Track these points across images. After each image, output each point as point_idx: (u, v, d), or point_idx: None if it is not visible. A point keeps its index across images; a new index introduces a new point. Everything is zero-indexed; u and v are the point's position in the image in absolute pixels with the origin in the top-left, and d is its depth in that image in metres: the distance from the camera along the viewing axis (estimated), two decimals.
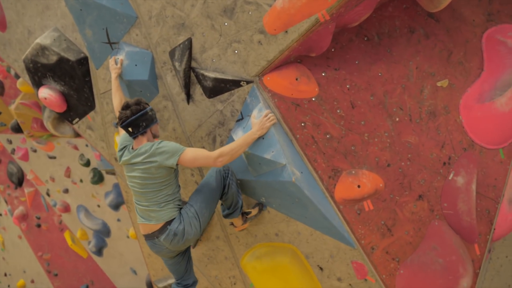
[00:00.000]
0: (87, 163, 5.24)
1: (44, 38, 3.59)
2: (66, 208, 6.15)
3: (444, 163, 2.88)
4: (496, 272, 3.14)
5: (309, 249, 2.92)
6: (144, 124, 2.64)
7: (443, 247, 2.74)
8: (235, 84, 2.77)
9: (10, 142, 6.43)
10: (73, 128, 4.14)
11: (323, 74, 2.73)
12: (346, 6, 2.38)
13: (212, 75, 2.82)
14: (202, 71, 2.87)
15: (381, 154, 2.77)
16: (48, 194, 6.38)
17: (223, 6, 2.63)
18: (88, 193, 5.59)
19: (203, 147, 3.10)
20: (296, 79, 2.67)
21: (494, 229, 2.96)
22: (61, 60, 3.56)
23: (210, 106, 2.96)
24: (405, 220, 2.77)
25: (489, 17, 3.10)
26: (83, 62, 3.53)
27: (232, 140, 2.86)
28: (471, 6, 3.05)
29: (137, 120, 2.61)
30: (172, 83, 3.09)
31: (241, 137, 2.64)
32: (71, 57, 3.52)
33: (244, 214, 2.97)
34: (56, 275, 7.33)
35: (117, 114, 3.00)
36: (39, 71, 3.75)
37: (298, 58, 2.71)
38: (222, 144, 2.99)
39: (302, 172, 2.66)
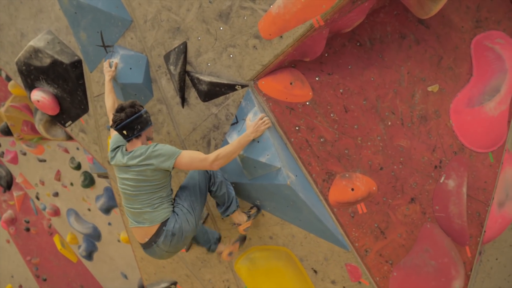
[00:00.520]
0: (78, 166, 5.19)
1: (37, 41, 3.57)
2: (56, 212, 6.08)
3: (436, 167, 2.94)
4: (486, 274, 3.20)
5: (303, 252, 2.94)
6: (139, 127, 2.62)
7: (435, 250, 2.79)
8: (230, 88, 2.79)
9: None
10: (65, 131, 4.11)
11: (316, 78, 2.77)
12: (340, 12, 2.42)
13: (207, 79, 2.84)
14: (197, 75, 2.88)
15: (374, 157, 2.81)
16: (37, 198, 6.30)
17: (218, 10, 2.65)
18: (79, 196, 5.54)
19: (198, 151, 3.10)
20: (291, 84, 2.70)
21: (485, 231, 3.02)
22: (55, 63, 3.54)
23: (204, 109, 2.97)
24: (398, 223, 2.82)
25: (477, 24, 3.18)
26: (77, 65, 3.52)
27: (226, 143, 2.87)
28: (460, 13, 3.12)
29: (131, 123, 2.59)
30: (166, 86, 3.10)
31: (235, 140, 2.65)
32: (65, 60, 3.50)
33: (246, 212, 2.95)
34: (45, 280, 7.22)
35: (110, 116, 2.99)
36: (32, 74, 3.72)
37: (292, 62, 2.74)
38: (216, 147, 3.00)
39: (296, 176, 2.68)
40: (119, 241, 5.37)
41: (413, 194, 2.87)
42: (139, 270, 4.35)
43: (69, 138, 4.52)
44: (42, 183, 5.99)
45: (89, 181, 5.13)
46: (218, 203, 2.92)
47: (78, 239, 6.09)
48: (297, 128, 2.72)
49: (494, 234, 3.12)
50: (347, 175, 2.75)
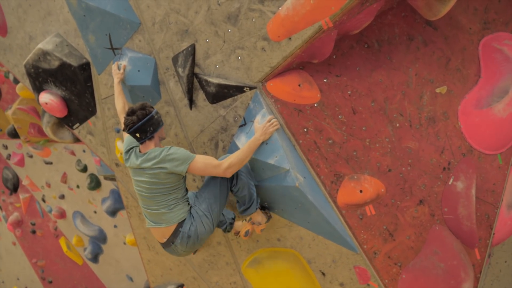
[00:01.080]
0: (84, 169, 5.22)
1: (46, 44, 3.60)
2: (62, 214, 6.10)
3: (444, 168, 2.93)
4: (495, 277, 3.17)
5: (311, 254, 2.93)
6: (151, 128, 2.61)
7: (444, 252, 2.78)
8: (238, 90, 2.80)
9: (5, 147, 6.39)
10: (73, 133, 4.13)
11: (325, 80, 2.77)
12: (349, 13, 2.42)
13: (215, 81, 2.84)
14: (205, 77, 2.89)
15: (382, 159, 2.80)
16: (43, 200, 6.33)
17: (227, 13, 2.66)
18: (85, 199, 5.56)
19: (205, 153, 3.11)
20: (299, 85, 2.70)
21: (494, 234, 3.00)
22: (63, 66, 3.57)
23: (212, 111, 2.98)
24: (407, 225, 2.80)
25: (485, 25, 3.17)
26: (85, 67, 3.54)
27: (234, 145, 2.88)
28: (467, 15, 3.12)
29: (144, 125, 2.59)
30: (174, 88, 3.11)
31: (245, 144, 2.65)
32: (73, 62, 3.53)
33: (265, 208, 2.89)
34: (50, 282, 7.24)
35: (121, 118, 3.01)
36: (40, 76, 3.75)
37: (301, 64, 2.75)
38: (224, 149, 3.00)
39: (305, 177, 2.68)
40: (125, 243, 5.38)
41: (421, 196, 2.86)
42: (145, 272, 4.35)
43: (76, 140, 4.54)
44: (48, 185, 6.02)
45: (95, 184, 5.15)
46: (238, 201, 2.89)
47: (84, 242, 6.10)
48: (305, 130, 2.72)
49: (503, 236, 3.10)
50: (355, 177, 2.74)
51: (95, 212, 5.55)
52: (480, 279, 2.97)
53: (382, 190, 2.74)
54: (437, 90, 2.98)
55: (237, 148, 2.85)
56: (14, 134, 5.63)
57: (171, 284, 4.11)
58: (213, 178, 2.76)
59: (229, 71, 2.80)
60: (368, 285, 2.78)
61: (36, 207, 6.60)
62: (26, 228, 6.97)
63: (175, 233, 2.69)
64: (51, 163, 5.71)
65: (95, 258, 6.08)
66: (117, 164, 3.87)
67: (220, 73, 2.84)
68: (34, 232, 6.88)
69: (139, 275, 5.56)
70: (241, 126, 2.88)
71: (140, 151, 2.69)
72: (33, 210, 6.69)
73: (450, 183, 2.91)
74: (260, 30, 2.57)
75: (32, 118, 5.29)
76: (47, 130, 4.43)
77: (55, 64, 3.60)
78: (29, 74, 3.81)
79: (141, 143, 2.67)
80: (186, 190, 2.77)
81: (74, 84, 3.63)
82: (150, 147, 2.66)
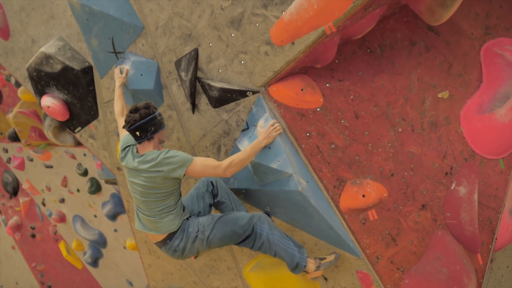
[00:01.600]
0: (85, 173, 5.21)
1: (48, 47, 3.60)
2: (62, 218, 6.09)
3: (446, 173, 2.93)
4: (497, 283, 3.17)
5: None
6: (152, 129, 2.55)
7: (447, 257, 2.77)
8: (241, 94, 2.80)
9: (6, 151, 6.38)
10: (74, 137, 4.12)
11: (327, 85, 2.78)
12: (352, 19, 2.43)
13: (218, 85, 2.85)
14: (208, 81, 2.90)
15: (384, 164, 2.80)
16: (43, 204, 6.31)
17: (230, 17, 2.67)
18: (85, 203, 5.55)
19: (208, 157, 3.10)
20: (302, 90, 2.71)
21: (496, 239, 2.99)
22: (66, 69, 3.57)
23: (215, 115, 2.98)
24: (409, 229, 2.80)
25: (487, 31, 3.19)
26: (88, 71, 3.54)
27: (237, 149, 2.88)
28: (469, 20, 3.14)
29: (145, 124, 2.52)
30: (177, 92, 3.12)
31: (248, 147, 2.64)
32: (76, 66, 3.53)
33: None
34: (49, 286, 7.20)
35: (119, 121, 2.99)
36: (42, 80, 3.75)
37: (303, 69, 2.76)
38: (227, 153, 3.00)
39: (308, 182, 2.68)
40: (125, 247, 5.36)
41: (424, 200, 2.85)
42: (146, 277, 4.33)
43: (78, 144, 4.54)
44: (49, 189, 6.01)
45: (95, 188, 5.14)
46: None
47: (83, 246, 6.08)
48: (308, 134, 2.72)
49: (505, 241, 3.10)
50: (358, 181, 2.74)
51: (95, 216, 5.54)
52: (482, 284, 2.97)
53: (385, 194, 2.74)
54: (439, 95, 2.99)
55: None
56: (14, 138, 5.62)
57: None
58: (236, 222, 2.66)
59: (232, 76, 2.80)
60: None
61: (36, 211, 6.58)
62: (26, 232, 6.94)
63: (163, 242, 2.67)
64: (51, 166, 5.70)
65: (95, 263, 6.06)
66: (118, 168, 3.86)
67: (223, 77, 2.85)
68: (33, 236, 6.85)
69: (139, 279, 5.54)
70: (243, 130, 2.88)
71: (137, 152, 2.61)
72: (33, 214, 6.67)
73: (452, 188, 2.91)
74: (263, 34, 2.58)
75: (33, 122, 5.29)
76: (49, 134, 4.43)
77: (58, 67, 3.60)
78: (31, 78, 3.81)
79: (139, 143, 2.59)
80: (180, 195, 2.69)
81: (77, 87, 3.64)
82: (149, 149, 2.58)
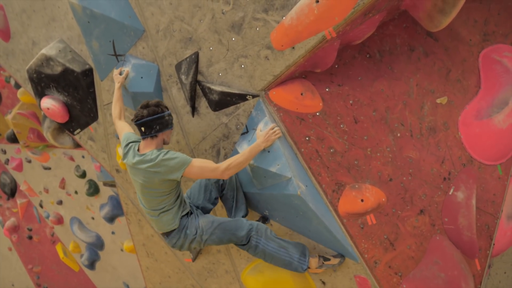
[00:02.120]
0: (83, 175, 5.20)
1: (49, 49, 3.61)
2: (59, 220, 6.07)
3: (444, 178, 2.94)
4: None
5: None
6: (157, 127, 2.58)
7: (445, 262, 2.78)
8: (241, 98, 2.81)
9: (4, 152, 6.37)
10: (73, 138, 4.12)
11: (327, 89, 2.79)
12: (352, 24, 2.45)
13: (218, 88, 2.86)
14: (208, 85, 2.91)
15: (383, 168, 2.82)
16: (41, 206, 6.29)
17: (231, 21, 2.69)
18: (83, 205, 5.53)
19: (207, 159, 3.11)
20: (301, 94, 2.72)
21: (494, 244, 3.00)
22: (66, 71, 3.58)
23: (215, 119, 2.99)
24: (407, 234, 2.81)
25: (485, 37, 3.21)
26: (88, 73, 3.55)
27: (236, 153, 2.88)
28: (467, 27, 3.16)
29: (151, 121, 2.56)
30: (177, 95, 3.13)
31: (246, 149, 2.65)
32: (76, 68, 3.54)
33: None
34: None
35: (116, 124, 3.00)
36: (42, 82, 3.76)
37: (303, 73, 2.77)
38: (226, 156, 3.01)
39: (306, 186, 2.69)
40: (122, 250, 5.35)
41: (422, 205, 2.86)
42: (144, 279, 4.32)
43: (76, 146, 4.54)
44: (46, 191, 5.99)
45: (93, 190, 5.13)
46: None
47: (80, 248, 6.06)
48: (307, 138, 2.73)
49: (503, 247, 3.11)
50: (356, 186, 2.75)
51: (92, 218, 5.52)
52: None
53: (383, 199, 2.75)
54: (438, 101, 3.01)
55: None
56: (13, 139, 5.62)
57: None
58: (235, 228, 2.70)
59: (232, 79, 2.81)
60: None
61: (33, 212, 6.56)
62: (23, 233, 6.92)
63: (163, 235, 2.78)
64: (49, 168, 5.69)
65: (91, 265, 6.04)
66: (117, 170, 3.86)
67: (223, 81, 2.86)
68: (30, 237, 6.82)
69: (136, 282, 5.52)
70: (243, 133, 2.89)
71: (138, 150, 2.64)
72: (30, 216, 6.65)
73: (450, 193, 2.92)
74: (263, 39, 2.59)
75: (32, 123, 5.29)
76: (48, 135, 4.43)
77: (58, 69, 3.61)
78: (31, 79, 3.81)
79: (143, 138, 2.62)
80: (179, 194, 2.71)
81: (77, 89, 3.64)
82: (151, 147, 2.60)
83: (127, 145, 2.71)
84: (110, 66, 3.37)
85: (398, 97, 2.91)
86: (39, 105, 3.86)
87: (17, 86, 5.12)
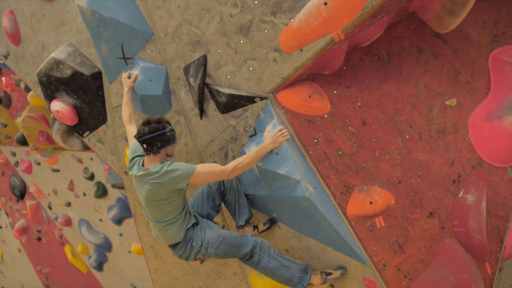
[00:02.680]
0: (91, 177, 5.24)
1: (59, 53, 3.65)
2: (68, 222, 6.12)
3: (454, 181, 2.92)
4: None
5: (320, 265, 2.92)
6: (158, 144, 2.60)
7: (455, 265, 2.75)
8: (249, 100, 2.82)
9: (14, 154, 6.44)
10: (82, 141, 4.16)
11: (335, 91, 2.79)
12: (360, 26, 2.45)
13: (226, 91, 2.87)
14: (216, 87, 2.92)
15: (392, 171, 2.80)
16: (50, 207, 6.35)
17: (239, 24, 2.70)
18: (91, 207, 5.57)
19: (215, 162, 3.12)
20: (309, 96, 2.72)
21: (505, 247, 2.97)
22: (75, 74, 3.61)
23: (223, 121, 2.99)
24: (417, 237, 2.79)
25: (495, 38, 3.18)
26: (97, 76, 3.58)
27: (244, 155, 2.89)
28: (477, 28, 3.14)
29: (153, 139, 2.58)
30: (185, 98, 3.14)
31: (253, 150, 2.67)
32: (85, 71, 3.57)
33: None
34: None
35: (127, 127, 3.04)
36: (52, 85, 3.80)
37: (311, 75, 2.77)
38: (234, 159, 3.01)
39: (315, 188, 2.68)
40: (130, 252, 5.37)
41: (431, 208, 2.84)
42: (152, 281, 4.34)
43: (85, 148, 4.57)
44: (55, 192, 6.04)
45: (102, 192, 5.17)
46: None
47: (89, 250, 6.10)
48: (315, 140, 2.73)
49: None
50: (365, 188, 2.74)
51: (101, 220, 5.56)
52: None
53: (392, 202, 2.73)
54: (447, 103, 2.99)
55: None
56: (23, 142, 5.68)
57: None
58: (237, 249, 2.73)
59: (240, 82, 2.82)
60: None
61: (42, 214, 6.62)
62: (32, 235, 6.98)
63: (169, 246, 2.82)
64: (58, 170, 5.74)
65: (99, 266, 6.07)
66: (126, 173, 3.88)
67: (231, 84, 2.86)
68: (39, 239, 6.88)
69: (143, 284, 5.54)
70: (251, 136, 2.89)
71: (143, 164, 2.68)
72: (39, 217, 6.71)
73: (460, 195, 2.89)
74: (271, 41, 2.60)
75: (41, 126, 5.34)
76: (57, 138, 4.47)
77: (68, 73, 3.64)
78: (41, 83, 3.86)
79: (147, 154, 2.66)
80: (184, 206, 2.73)
81: (86, 92, 3.67)
82: (154, 162, 2.63)
83: (132, 158, 2.76)
84: (119, 69, 3.39)
85: (406, 99, 2.90)
86: (49, 108, 3.90)
87: (27, 89, 5.18)
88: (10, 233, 7.38)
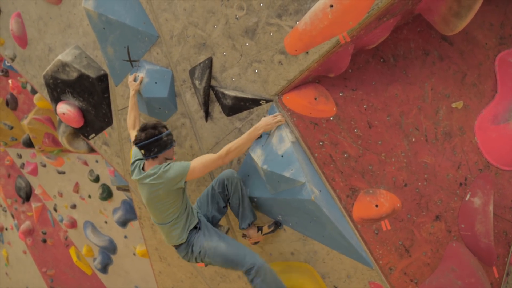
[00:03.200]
0: (97, 179, 5.26)
1: (65, 55, 3.67)
2: (73, 224, 6.14)
3: (461, 184, 2.89)
4: None
5: (326, 268, 2.90)
6: (155, 149, 2.67)
7: (462, 269, 2.72)
8: (255, 102, 2.82)
9: (20, 156, 6.48)
10: (88, 143, 4.17)
11: (340, 94, 2.78)
12: (366, 28, 2.44)
13: (232, 93, 2.87)
14: (222, 90, 2.92)
15: (398, 174, 2.79)
16: (55, 209, 6.37)
17: (245, 27, 2.70)
18: (96, 209, 5.59)
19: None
20: (315, 99, 2.71)
21: None
22: (81, 77, 3.63)
23: (228, 124, 2.99)
24: (423, 240, 2.77)
25: (501, 41, 3.16)
26: (103, 79, 3.60)
27: (249, 158, 2.89)
28: (483, 30, 3.12)
29: (149, 144, 2.65)
30: (191, 101, 3.14)
31: (245, 133, 2.71)
32: (92, 74, 3.59)
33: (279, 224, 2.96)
34: None
35: (130, 133, 3.10)
36: (58, 87, 3.82)
37: (317, 78, 2.76)
38: (239, 162, 3.01)
39: (320, 191, 2.67)
40: (134, 254, 5.38)
41: (438, 211, 2.82)
42: (156, 284, 4.34)
43: (91, 150, 4.59)
44: (61, 195, 6.07)
45: (107, 194, 5.18)
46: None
47: (93, 252, 6.11)
48: (321, 143, 2.72)
49: None
50: (371, 191, 2.72)
51: (106, 222, 5.57)
52: None
53: (398, 205, 2.72)
54: (453, 105, 2.97)
55: (252, 160, 2.86)
56: (28, 144, 5.71)
57: None
58: (234, 266, 2.74)
59: (245, 84, 2.82)
60: None
61: (48, 216, 6.65)
62: (37, 237, 7.01)
63: (173, 247, 2.87)
64: (64, 172, 5.77)
65: (104, 269, 6.08)
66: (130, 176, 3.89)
67: (237, 86, 2.87)
68: (44, 241, 6.91)
69: (148, 286, 5.54)
70: (256, 138, 2.89)
71: (143, 168, 2.76)
72: (44, 219, 6.74)
73: (467, 199, 2.87)
74: (277, 44, 2.60)
75: (47, 128, 5.37)
76: (63, 140, 4.49)
77: (74, 75, 3.67)
78: (47, 85, 3.88)
79: (145, 159, 2.74)
80: (186, 203, 2.78)
81: (92, 95, 3.69)
82: (154, 165, 2.71)
83: (133, 162, 2.83)
84: (125, 71, 3.41)
85: (412, 102, 2.89)
86: (55, 110, 3.92)
87: (34, 91, 5.21)
88: (16, 235, 7.42)
